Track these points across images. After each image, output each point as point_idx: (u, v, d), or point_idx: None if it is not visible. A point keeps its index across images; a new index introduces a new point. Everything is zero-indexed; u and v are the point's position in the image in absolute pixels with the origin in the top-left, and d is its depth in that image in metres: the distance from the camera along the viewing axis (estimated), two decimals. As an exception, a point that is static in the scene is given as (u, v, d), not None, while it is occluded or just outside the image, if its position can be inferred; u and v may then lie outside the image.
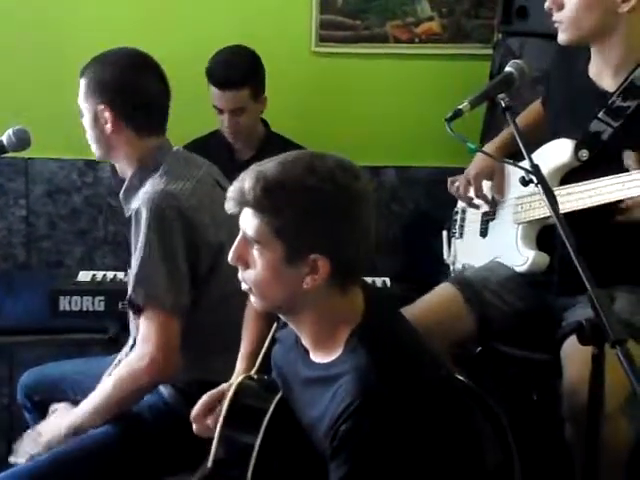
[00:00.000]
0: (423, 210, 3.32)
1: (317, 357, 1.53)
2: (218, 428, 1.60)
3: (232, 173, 2.23)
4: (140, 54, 2.11)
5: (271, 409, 1.56)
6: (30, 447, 2.08)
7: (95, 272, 2.84)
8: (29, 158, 3.19)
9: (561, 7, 2.07)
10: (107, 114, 2.03)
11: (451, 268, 2.52)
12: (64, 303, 2.63)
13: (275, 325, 1.76)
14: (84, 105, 2.07)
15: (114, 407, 2.00)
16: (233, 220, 2.12)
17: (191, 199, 2.01)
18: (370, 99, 3.25)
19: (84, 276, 2.82)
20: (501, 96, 1.81)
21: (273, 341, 1.74)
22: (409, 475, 1.38)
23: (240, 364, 1.89)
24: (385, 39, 3.22)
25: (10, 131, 1.97)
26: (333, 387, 1.43)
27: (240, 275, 1.53)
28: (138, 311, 1.97)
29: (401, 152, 3.31)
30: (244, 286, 1.53)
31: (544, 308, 2.12)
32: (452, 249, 2.54)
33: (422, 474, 1.38)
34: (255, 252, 1.48)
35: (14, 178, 3.27)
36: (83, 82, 2.07)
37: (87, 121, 2.08)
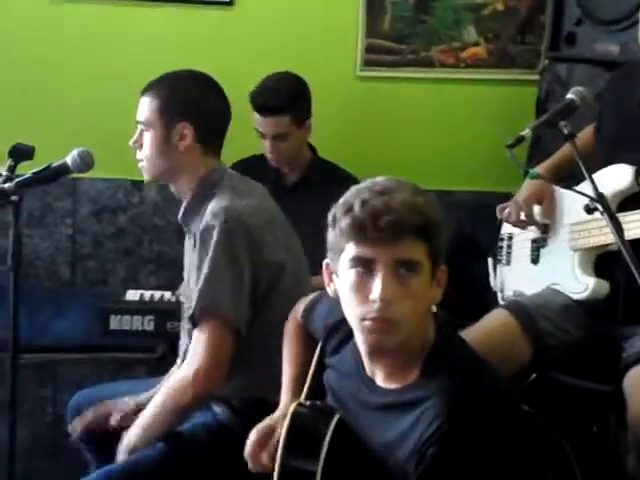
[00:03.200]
0: (466, 235, 3.31)
1: (386, 383, 1.53)
2: (278, 459, 1.58)
3: (278, 197, 2.27)
4: (210, 76, 2.15)
5: (329, 433, 1.55)
6: None
7: (143, 291, 2.85)
8: (77, 178, 3.20)
9: None
10: (187, 132, 2.07)
11: (499, 296, 2.50)
12: (115, 322, 2.64)
13: (319, 350, 1.76)
14: (156, 121, 2.08)
15: (162, 423, 2.01)
16: (291, 240, 2.16)
17: (255, 217, 2.03)
18: (415, 123, 3.27)
19: (132, 295, 2.83)
20: (563, 123, 1.81)
21: (321, 366, 1.74)
22: None
23: (287, 390, 1.85)
24: (431, 63, 3.23)
25: (75, 152, 1.97)
26: (414, 411, 1.43)
27: None
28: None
29: (444, 176, 3.30)
30: None
31: (604, 337, 2.09)
32: (499, 276, 2.53)
33: None
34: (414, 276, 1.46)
35: (62, 197, 3.30)
36: (157, 100, 2.08)
37: (154, 137, 2.09)
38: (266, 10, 3.23)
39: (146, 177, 2.17)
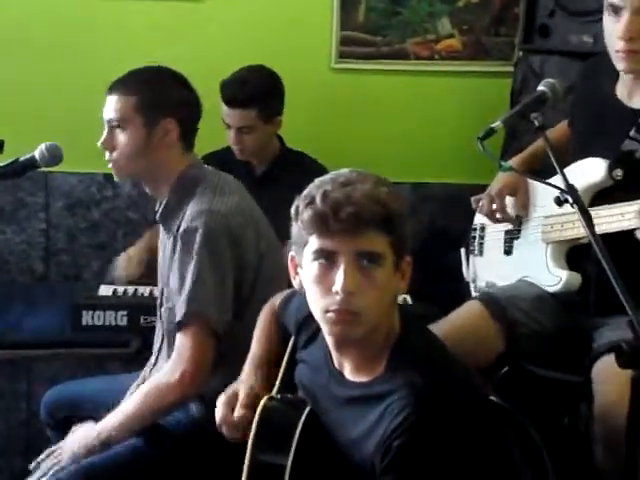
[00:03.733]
0: (440, 226, 3.32)
1: (354, 376, 1.53)
2: (248, 453, 1.57)
3: (248, 189, 2.25)
4: (176, 71, 2.13)
5: (300, 426, 1.55)
6: (51, 464, 2.07)
7: (116, 286, 2.82)
8: (49, 172, 3.17)
9: None
10: (171, 127, 2.04)
11: (471, 286, 2.50)
12: (87, 317, 2.62)
13: (291, 344, 1.76)
14: (134, 119, 2.03)
15: (141, 421, 1.99)
16: (268, 233, 2.14)
17: (238, 216, 2.02)
18: (389, 115, 3.27)
19: (105, 290, 2.80)
20: (534, 115, 1.81)
21: (293, 361, 1.74)
22: None
23: (250, 363, 1.81)
24: (405, 56, 3.23)
25: (43, 146, 1.95)
26: (380, 405, 1.43)
27: None
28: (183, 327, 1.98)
29: (419, 168, 3.31)
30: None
31: (576, 329, 2.10)
32: (471, 266, 2.53)
33: None
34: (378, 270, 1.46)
35: (34, 192, 3.28)
36: (133, 97, 2.03)
37: (132, 135, 2.04)
38: (240, 1, 3.21)
39: (118, 177, 2.14)
